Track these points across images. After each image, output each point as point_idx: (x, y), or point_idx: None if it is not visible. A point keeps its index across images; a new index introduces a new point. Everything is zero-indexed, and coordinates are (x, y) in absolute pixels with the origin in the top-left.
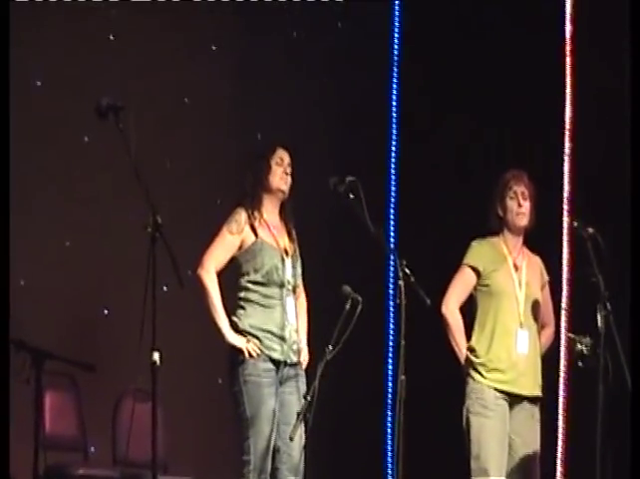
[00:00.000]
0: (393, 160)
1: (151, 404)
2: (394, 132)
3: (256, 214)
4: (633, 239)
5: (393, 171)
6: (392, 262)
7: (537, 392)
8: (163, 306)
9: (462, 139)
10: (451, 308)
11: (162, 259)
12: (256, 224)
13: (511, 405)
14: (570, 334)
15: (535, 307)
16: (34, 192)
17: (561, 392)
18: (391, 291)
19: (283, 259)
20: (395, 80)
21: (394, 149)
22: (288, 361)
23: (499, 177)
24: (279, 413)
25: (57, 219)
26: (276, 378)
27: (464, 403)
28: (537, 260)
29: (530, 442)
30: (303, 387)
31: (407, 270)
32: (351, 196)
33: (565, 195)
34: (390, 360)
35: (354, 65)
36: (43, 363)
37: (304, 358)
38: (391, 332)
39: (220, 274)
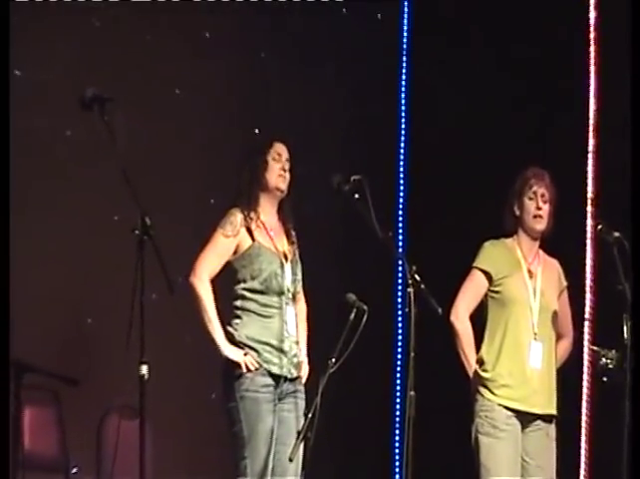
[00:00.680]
0: (402, 157)
1: (138, 421)
2: (403, 127)
3: (253, 214)
4: None
5: (402, 169)
6: (401, 268)
7: (552, 410)
8: (152, 316)
9: (476, 135)
10: (460, 316)
11: (151, 265)
12: (253, 225)
13: (524, 424)
14: (594, 347)
15: (551, 317)
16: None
17: (584, 410)
18: (399, 299)
19: (282, 265)
20: (404, 71)
21: (403, 145)
22: (288, 376)
23: (519, 174)
24: (277, 432)
25: (36, 220)
26: (275, 394)
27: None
28: (555, 264)
29: (545, 465)
30: (303, 404)
31: (417, 277)
32: (356, 195)
33: (589, 195)
34: (398, 375)
35: (361, 53)
36: (22, 377)
37: (304, 372)
38: (399, 344)
39: (214, 281)
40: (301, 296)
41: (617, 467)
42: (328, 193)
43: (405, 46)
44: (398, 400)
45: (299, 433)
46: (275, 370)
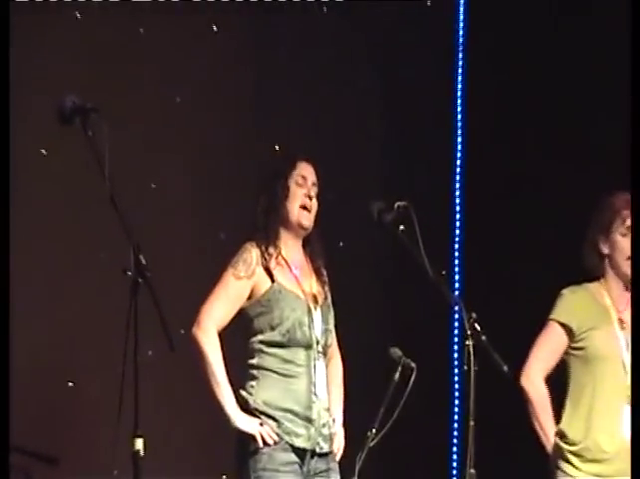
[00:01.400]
0: (457, 179)
1: None
2: (458, 141)
3: (272, 250)
4: None
5: (457, 193)
6: (456, 316)
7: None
8: (148, 378)
9: (548, 150)
10: (533, 379)
11: (147, 314)
12: (272, 264)
13: None
14: None
15: None
16: None
17: None
18: (455, 355)
19: (310, 311)
20: (460, 78)
21: (458, 163)
22: (317, 450)
23: (604, 201)
24: None
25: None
26: (301, 473)
27: None
28: None
29: None
30: None
31: (476, 327)
32: (401, 226)
33: None
34: (454, 449)
35: (408, 54)
36: None
37: (338, 446)
38: (455, 410)
39: (224, 334)
40: (334, 351)
41: None
42: (366, 223)
43: (461, 38)
44: None
45: None
46: (300, 443)
